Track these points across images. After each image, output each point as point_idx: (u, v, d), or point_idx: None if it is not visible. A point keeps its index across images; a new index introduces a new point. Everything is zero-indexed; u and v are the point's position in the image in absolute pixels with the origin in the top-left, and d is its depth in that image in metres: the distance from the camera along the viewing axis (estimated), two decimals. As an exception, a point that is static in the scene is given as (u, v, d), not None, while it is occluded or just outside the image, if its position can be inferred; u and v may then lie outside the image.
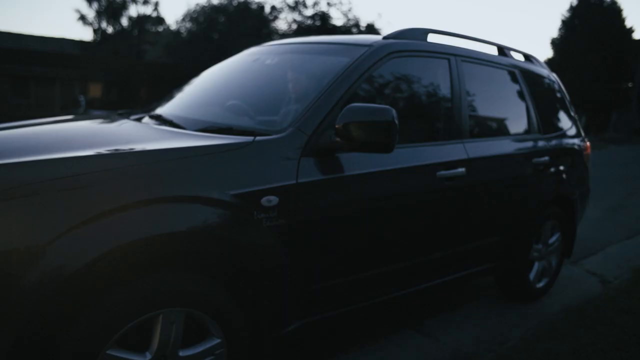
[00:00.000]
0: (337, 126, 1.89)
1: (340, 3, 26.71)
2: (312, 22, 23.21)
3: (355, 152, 1.96)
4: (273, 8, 23.25)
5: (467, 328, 2.91)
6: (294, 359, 2.45)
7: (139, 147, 1.73)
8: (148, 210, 1.51)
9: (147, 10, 22.23)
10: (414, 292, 2.48)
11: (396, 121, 1.86)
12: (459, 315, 3.09)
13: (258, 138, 1.87)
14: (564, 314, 3.10)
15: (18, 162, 1.50)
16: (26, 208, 1.35)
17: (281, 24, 23.46)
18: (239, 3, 22.54)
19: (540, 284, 3.40)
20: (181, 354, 1.64)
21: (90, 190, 1.45)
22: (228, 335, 1.74)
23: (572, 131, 3.70)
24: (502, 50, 3.26)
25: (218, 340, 1.72)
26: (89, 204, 1.42)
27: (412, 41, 2.52)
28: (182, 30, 23.09)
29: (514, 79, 3.19)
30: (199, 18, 22.56)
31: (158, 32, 23.27)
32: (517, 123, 3.18)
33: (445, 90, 2.61)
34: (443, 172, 2.41)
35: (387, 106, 1.88)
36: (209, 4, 22.57)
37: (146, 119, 2.44)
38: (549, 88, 3.62)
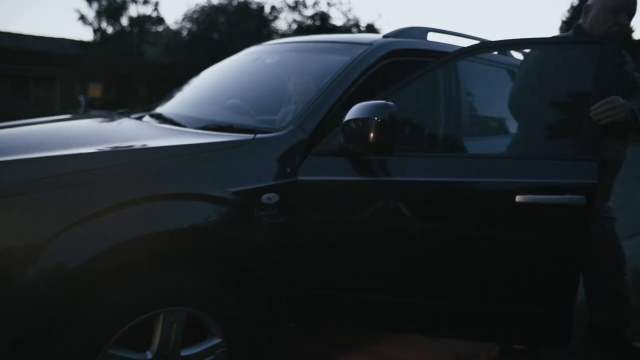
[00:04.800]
0: (342, 124, 1.79)
1: (340, 3, 26.79)
2: (312, 22, 23.24)
3: (354, 153, 1.84)
4: (273, 8, 23.29)
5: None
6: (293, 359, 2.44)
7: (139, 144, 1.74)
8: (148, 207, 1.51)
9: (147, 10, 22.24)
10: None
11: (393, 119, 1.71)
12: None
13: (258, 136, 1.87)
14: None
15: (18, 160, 1.50)
16: (26, 205, 1.35)
17: (281, 24, 23.51)
18: (239, 3, 22.56)
19: None
20: (182, 353, 1.64)
21: (90, 188, 1.44)
22: (229, 334, 1.73)
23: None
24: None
25: (219, 340, 1.71)
26: (89, 202, 1.42)
27: (412, 40, 2.51)
28: (182, 30, 23.11)
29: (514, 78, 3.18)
30: (199, 18, 22.58)
31: (158, 32, 23.27)
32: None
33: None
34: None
35: (384, 102, 1.76)
36: (209, 4, 22.59)
37: (147, 118, 2.44)
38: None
